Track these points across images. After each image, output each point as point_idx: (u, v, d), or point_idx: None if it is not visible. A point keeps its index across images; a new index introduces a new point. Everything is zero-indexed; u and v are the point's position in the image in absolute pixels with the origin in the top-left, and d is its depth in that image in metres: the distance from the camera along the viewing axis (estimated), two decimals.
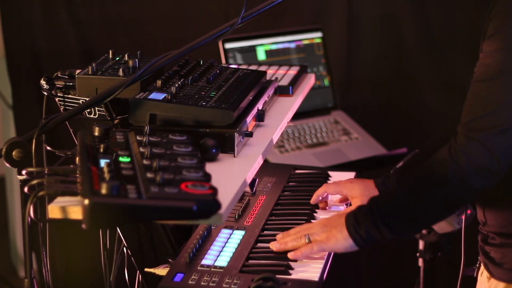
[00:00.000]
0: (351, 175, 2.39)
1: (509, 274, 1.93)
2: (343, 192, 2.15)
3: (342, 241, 1.86)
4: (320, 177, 2.38)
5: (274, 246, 1.91)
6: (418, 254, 2.84)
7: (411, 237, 2.74)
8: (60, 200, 1.53)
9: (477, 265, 2.07)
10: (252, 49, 3.19)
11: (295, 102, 2.16)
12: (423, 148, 2.21)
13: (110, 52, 2.06)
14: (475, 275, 2.08)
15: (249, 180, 1.76)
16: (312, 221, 2.10)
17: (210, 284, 1.76)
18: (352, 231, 1.85)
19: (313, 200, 2.17)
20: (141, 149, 1.63)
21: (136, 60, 1.96)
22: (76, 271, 3.30)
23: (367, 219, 1.84)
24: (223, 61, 3.11)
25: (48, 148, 1.84)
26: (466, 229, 2.34)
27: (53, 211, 1.53)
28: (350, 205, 2.15)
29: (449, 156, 1.78)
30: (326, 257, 1.90)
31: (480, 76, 1.81)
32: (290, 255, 1.88)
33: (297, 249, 1.88)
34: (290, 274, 1.82)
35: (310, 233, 1.89)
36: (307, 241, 1.89)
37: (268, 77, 2.16)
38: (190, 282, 1.77)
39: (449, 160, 1.78)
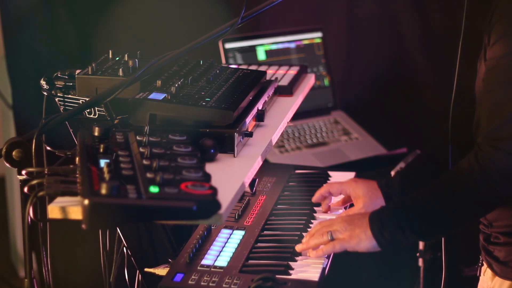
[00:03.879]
0: (351, 175, 2.39)
1: None
2: (346, 191, 2.14)
3: (365, 241, 1.86)
4: (320, 177, 2.38)
5: (297, 247, 1.92)
6: (418, 254, 2.84)
7: (436, 240, 2.74)
8: (60, 200, 1.53)
9: (479, 264, 2.07)
10: (252, 49, 3.19)
11: (295, 102, 2.16)
12: (425, 150, 2.21)
13: (110, 52, 2.05)
14: (478, 274, 2.08)
15: (249, 180, 1.75)
16: (312, 220, 2.10)
17: (210, 284, 1.76)
18: (376, 232, 1.85)
19: (314, 198, 2.16)
20: (141, 149, 1.63)
21: (136, 60, 1.96)
22: (76, 271, 3.30)
23: (392, 221, 1.84)
24: (223, 61, 3.11)
25: (48, 148, 1.84)
26: (465, 228, 2.34)
27: (53, 211, 1.52)
28: (352, 205, 2.15)
29: (476, 163, 1.78)
30: (326, 257, 1.90)
31: (490, 85, 1.80)
32: (312, 254, 1.89)
33: (319, 248, 1.89)
34: (290, 274, 1.82)
35: (333, 230, 1.89)
36: (329, 238, 1.89)
37: (268, 77, 2.16)
38: (190, 282, 1.77)
39: (476, 167, 1.77)
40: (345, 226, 1.89)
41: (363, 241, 1.86)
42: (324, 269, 1.85)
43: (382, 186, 2.13)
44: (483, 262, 2.03)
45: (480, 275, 2.07)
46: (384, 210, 1.89)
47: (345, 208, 2.19)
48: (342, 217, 1.94)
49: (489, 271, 2.00)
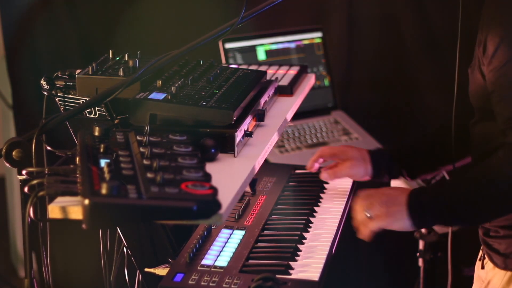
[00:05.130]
0: None
1: None
2: (338, 155, 2.19)
3: (401, 220, 1.88)
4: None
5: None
6: (418, 254, 2.85)
7: (468, 228, 2.77)
8: (60, 200, 1.53)
9: (481, 258, 2.08)
10: (252, 49, 3.19)
11: (295, 102, 2.16)
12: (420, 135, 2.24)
13: (110, 52, 2.05)
14: (481, 267, 2.09)
15: (249, 180, 1.76)
16: (312, 219, 2.10)
17: (210, 284, 1.76)
18: (413, 213, 1.86)
19: (309, 166, 2.23)
20: (141, 149, 1.63)
21: (136, 60, 1.96)
22: (76, 271, 3.30)
23: (431, 204, 1.86)
24: (223, 61, 3.11)
25: (48, 148, 1.84)
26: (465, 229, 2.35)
27: (53, 211, 1.52)
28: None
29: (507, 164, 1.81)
30: (326, 257, 1.90)
31: (502, 93, 1.82)
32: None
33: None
34: (290, 274, 1.82)
35: (370, 208, 1.91)
36: (367, 215, 1.91)
37: (268, 77, 2.16)
38: (190, 282, 1.77)
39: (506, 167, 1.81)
40: (381, 202, 1.90)
41: (398, 220, 1.88)
42: (324, 269, 1.85)
43: (372, 153, 2.19)
44: (485, 256, 2.04)
45: (482, 267, 2.07)
46: (423, 191, 1.90)
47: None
48: (379, 191, 1.96)
49: (490, 264, 2.02)
